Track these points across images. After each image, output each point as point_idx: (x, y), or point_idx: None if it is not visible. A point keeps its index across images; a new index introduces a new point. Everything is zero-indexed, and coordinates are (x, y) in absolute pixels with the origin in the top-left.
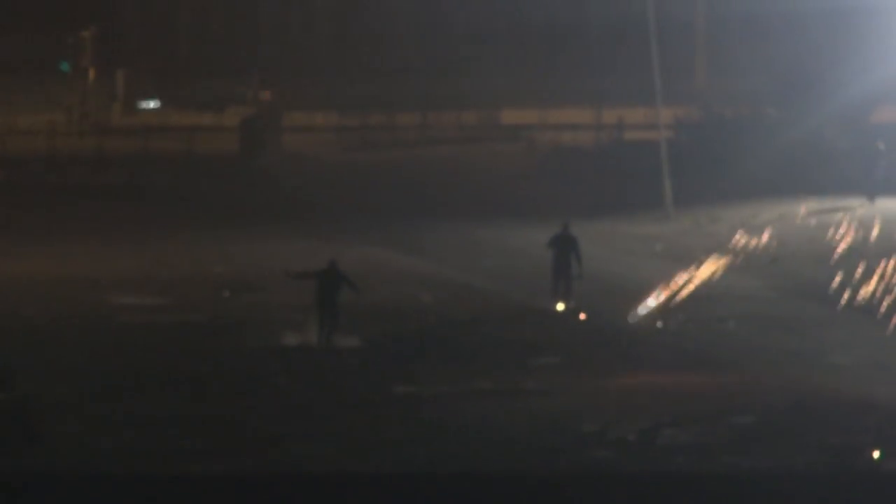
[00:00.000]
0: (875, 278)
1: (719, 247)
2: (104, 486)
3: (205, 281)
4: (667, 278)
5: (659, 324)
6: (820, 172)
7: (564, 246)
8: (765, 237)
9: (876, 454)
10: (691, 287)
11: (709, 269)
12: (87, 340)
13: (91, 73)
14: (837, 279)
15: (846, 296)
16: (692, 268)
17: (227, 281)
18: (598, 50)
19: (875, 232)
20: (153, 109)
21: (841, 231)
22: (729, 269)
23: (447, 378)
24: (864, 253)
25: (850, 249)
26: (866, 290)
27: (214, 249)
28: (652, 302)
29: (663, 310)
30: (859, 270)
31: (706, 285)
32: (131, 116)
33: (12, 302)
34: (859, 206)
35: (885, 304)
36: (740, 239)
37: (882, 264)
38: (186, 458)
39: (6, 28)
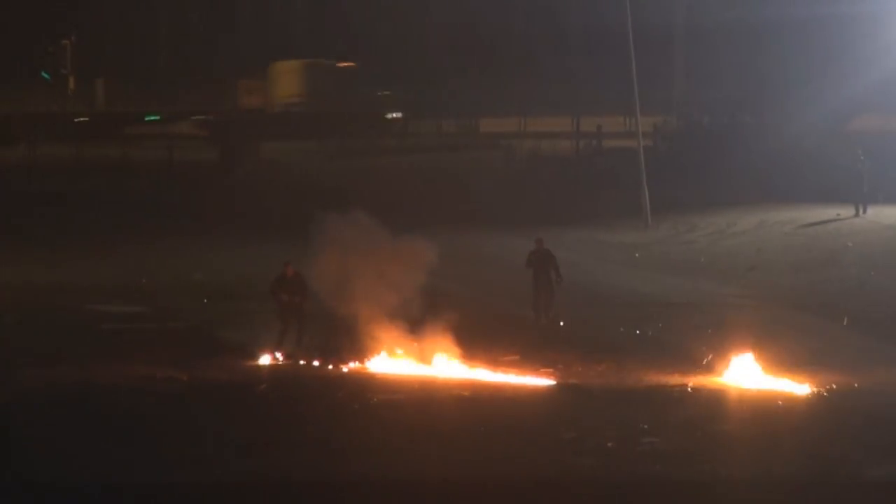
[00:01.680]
0: (851, 286)
1: (697, 254)
2: (78, 497)
3: (184, 289)
4: (646, 286)
5: (637, 331)
6: (799, 181)
7: (542, 262)
8: (742, 245)
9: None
10: (669, 295)
11: (686, 277)
12: (65, 347)
13: (71, 82)
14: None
15: (822, 303)
16: (670, 276)
17: (206, 288)
18: (577, 58)
19: (851, 241)
20: (155, 120)
21: (820, 239)
22: (706, 277)
23: (427, 384)
24: (842, 261)
25: (831, 257)
26: (844, 298)
27: (194, 257)
28: (629, 310)
29: (641, 318)
30: (839, 278)
31: (684, 293)
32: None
33: None
34: (838, 215)
35: (868, 313)
36: (718, 247)
37: (857, 272)
38: (163, 467)
39: None
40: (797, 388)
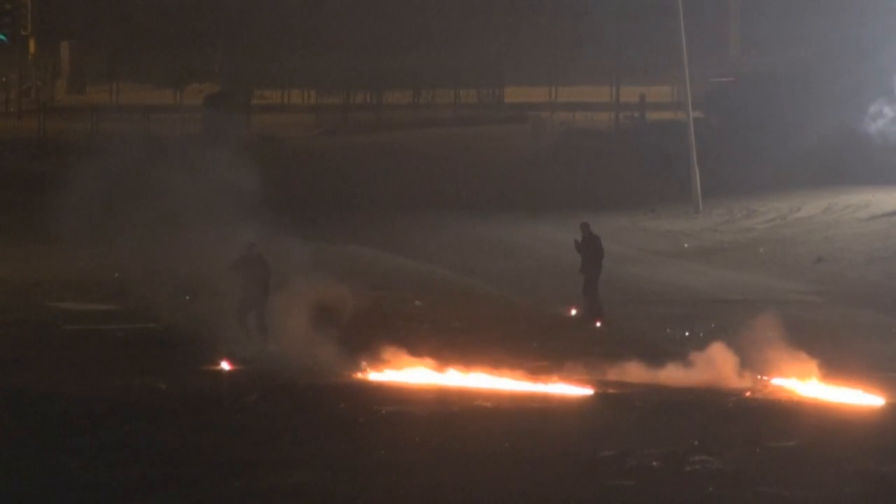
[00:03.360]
0: None
1: (755, 244)
2: None
3: (162, 284)
4: (696, 280)
5: (686, 332)
6: (872, 160)
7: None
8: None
9: None
10: (722, 291)
11: (742, 270)
12: (26, 352)
13: (32, 45)
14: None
15: None
16: (724, 268)
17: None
18: (616, 18)
19: None
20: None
21: None
22: (766, 270)
23: (443, 394)
24: None
25: None
26: None
27: (174, 247)
28: (677, 308)
29: (690, 317)
30: None
31: (740, 289)
32: (79, 95)
33: None
34: None
35: None
36: (779, 235)
37: None
38: (140, 490)
39: None
40: (870, 399)
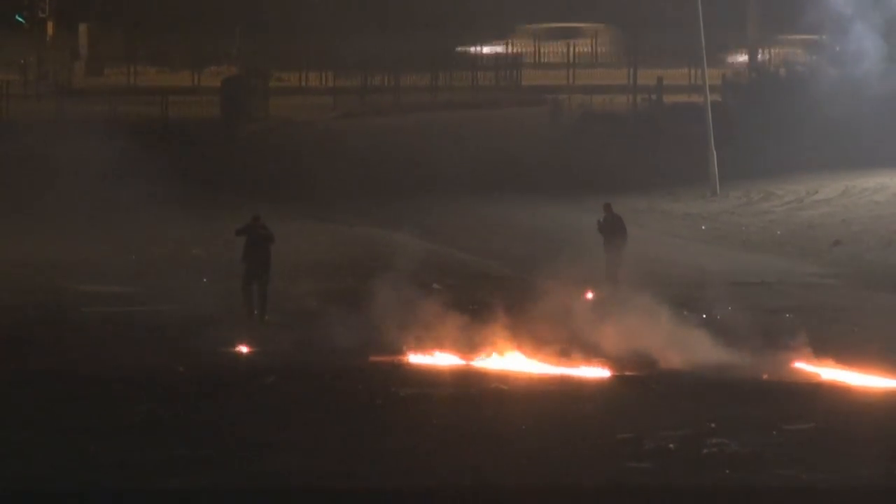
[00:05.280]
0: None
1: (773, 227)
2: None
3: (180, 266)
4: (713, 263)
5: (703, 315)
6: (890, 142)
7: (612, 229)
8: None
9: None
10: (740, 274)
11: (759, 253)
12: (45, 334)
13: (50, 28)
14: None
15: None
16: (741, 251)
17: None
18: (634, 2)
19: None
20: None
21: None
22: (784, 253)
23: (460, 376)
24: None
25: None
26: None
27: (191, 229)
28: (694, 290)
29: (707, 299)
30: None
31: (757, 272)
32: (97, 77)
33: None
34: None
35: None
36: (797, 218)
37: None
38: (158, 471)
39: None
40: (887, 382)
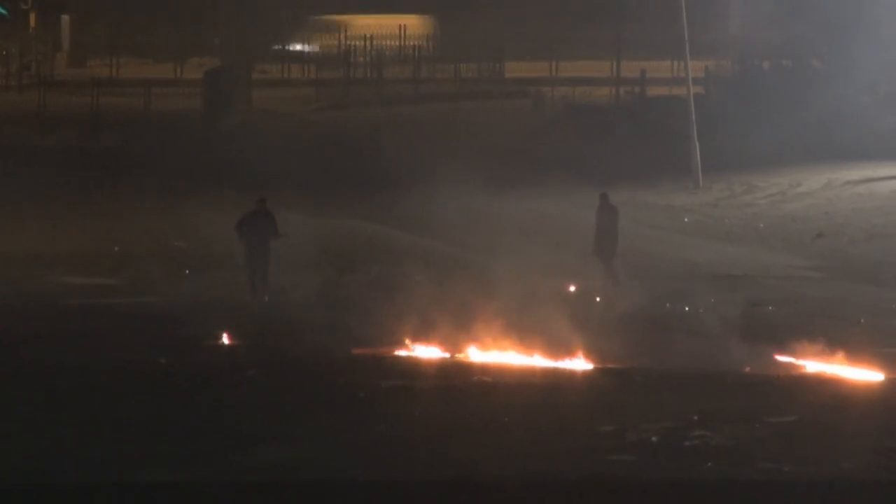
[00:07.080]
0: None
1: (755, 219)
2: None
3: (163, 257)
4: (696, 255)
5: (686, 307)
6: (872, 135)
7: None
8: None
9: None
10: (723, 266)
11: (742, 245)
12: (27, 326)
13: (32, 19)
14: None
15: None
16: (724, 243)
17: (188, 258)
18: None
19: None
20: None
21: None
22: (766, 245)
23: (443, 369)
24: None
25: None
26: None
27: (174, 221)
28: (678, 282)
29: (690, 292)
30: None
31: (740, 264)
32: (79, 69)
33: None
34: None
35: None
36: (779, 210)
37: None
38: (142, 465)
39: None
40: (870, 374)
